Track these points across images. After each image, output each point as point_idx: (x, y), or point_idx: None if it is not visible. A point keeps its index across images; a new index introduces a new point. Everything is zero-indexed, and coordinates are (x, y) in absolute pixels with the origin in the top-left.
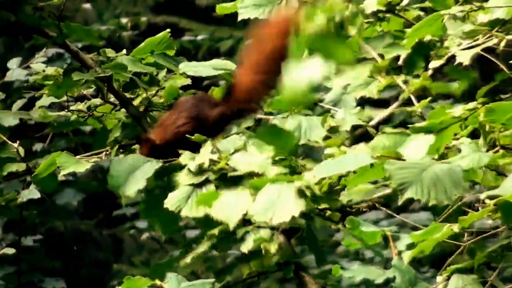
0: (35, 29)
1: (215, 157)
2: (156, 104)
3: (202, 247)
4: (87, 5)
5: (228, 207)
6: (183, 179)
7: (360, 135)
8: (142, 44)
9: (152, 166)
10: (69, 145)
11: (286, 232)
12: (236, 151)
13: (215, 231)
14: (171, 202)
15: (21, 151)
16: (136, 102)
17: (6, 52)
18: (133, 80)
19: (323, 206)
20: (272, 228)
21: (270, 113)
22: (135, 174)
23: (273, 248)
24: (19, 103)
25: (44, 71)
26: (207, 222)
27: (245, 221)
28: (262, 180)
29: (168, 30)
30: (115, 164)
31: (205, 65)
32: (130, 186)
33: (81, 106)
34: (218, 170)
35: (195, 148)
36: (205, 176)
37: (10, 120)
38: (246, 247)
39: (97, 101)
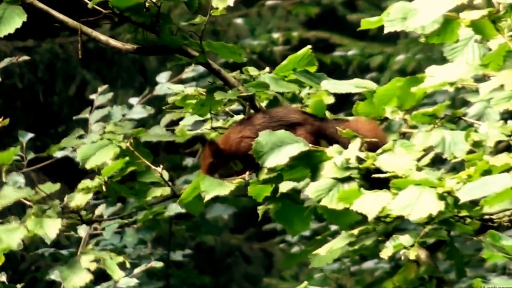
0: (177, 49)
1: (362, 155)
2: None
3: (339, 243)
4: (239, 20)
5: (369, 202)
6: (327, 171)
7: (504, 148)
8: (285, 62)
9: (299, 147)
10: None
11: (428, 247)
12: (384, 151)
13: (355, 231)
14: (312, 190)
15: (165, 175)
16: None
17: (159, 66)
18: (276, 98)
19: (463, 213)
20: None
21: (415, 127)
22: (281, 149)
23: (412, 255)
24: (167, 117)
25: (183, 91)
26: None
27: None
28: (406, 180)
29: (310, 46)
30: (265, 133)
31: (346, 83)
32: (273, 158)
33: (219, 123)
34: (363, 168)
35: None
36: (350, 172)
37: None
38: (386, 253)
39: (240, 118)
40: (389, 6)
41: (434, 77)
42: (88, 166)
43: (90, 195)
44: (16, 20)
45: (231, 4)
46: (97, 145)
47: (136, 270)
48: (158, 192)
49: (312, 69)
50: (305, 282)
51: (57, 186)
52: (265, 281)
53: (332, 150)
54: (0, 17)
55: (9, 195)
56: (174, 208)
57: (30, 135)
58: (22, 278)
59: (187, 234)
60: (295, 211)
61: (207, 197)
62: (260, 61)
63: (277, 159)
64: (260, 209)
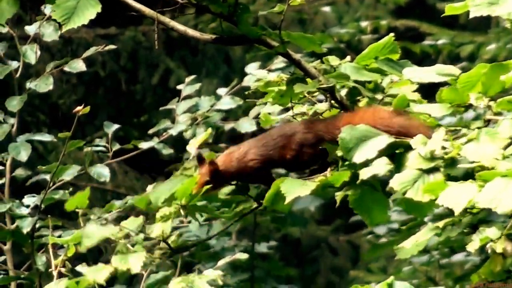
0: (256, 39)
1: (447, 145)
2: None
3: (424, 236)
4: (327, 8)
5: (454, 195)
6: (411, 162)
7: None
8: (366, 50)
9: (384, 139)
10: None
11: None
12: (469, 140)
13: (441, 223)
14: (397, 182)
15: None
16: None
17: (244, 54)
18: (356, 88)
19: None
20: None
21: (500, 113)
22: (366, 143)
23: (499, 248)
24: (256, 109)
25: (266, 77)
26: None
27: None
28: (492, 172)
29: (392, 34)
30: (348, 128)
31: (428, 70)
32: (360, 153)
33: (304, 108)
34: (449, 159)
35: (257, 180)
36: (435, 163)
37: (247, 126)
38: (473, 246)
39: (324, 105)
40: None
41: None
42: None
43: (170, 223)
44: (90, 10)
45: None
46: (172, 183)
47: (220, 262)
48: (241, 205)
49: (395, 57)
50: (392, 277)
51: (140, 220)
52: (352, 274)
53: (416, 141)
54: (74, 8)
55: (93, 234)
56: None
57: (116, 126)
58: None
59: (272, 225)
60: (374, 199)
61: (288, 199)
62: (348, 50)
63: (365, 153)
64: (338, 196)
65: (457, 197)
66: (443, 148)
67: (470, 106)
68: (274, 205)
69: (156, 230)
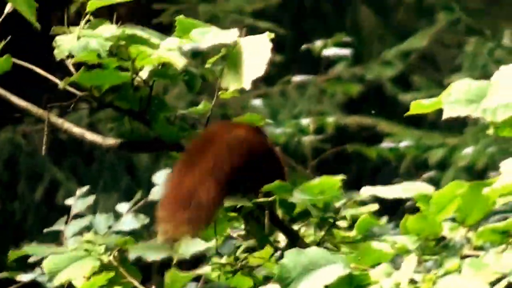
0: (174, 144)
1: (419, 277)
2: None
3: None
4: (257, 102)
5: None
6: None
7: None
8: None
9: (336, 270)
10: None
11: None
12: (447, 273)
13: None
14: None
15: None
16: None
17: (153, 162)
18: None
19: None
20: None
21: (481, 248)
22: (313, 273)
23: None
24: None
25: None
26: None
27: None
28: None
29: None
30: (292, 253)
31: (394, 188)
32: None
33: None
34: None
35: None
36: None
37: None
38: None
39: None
40: (451, 84)
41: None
42: (56, 282)
43: None
44: None
45: (247, 87)
46: (71, 257)
47: None
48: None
49: None
50: None
51: None
52: None
53: (378, 272)
54: None
55: None
56: None
57: None
58: None
59: None
60: None
61: None
62: (285, 155)
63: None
64: None
65: None
66: (413, 281)
67: (443, 239)
68: None
69: None
